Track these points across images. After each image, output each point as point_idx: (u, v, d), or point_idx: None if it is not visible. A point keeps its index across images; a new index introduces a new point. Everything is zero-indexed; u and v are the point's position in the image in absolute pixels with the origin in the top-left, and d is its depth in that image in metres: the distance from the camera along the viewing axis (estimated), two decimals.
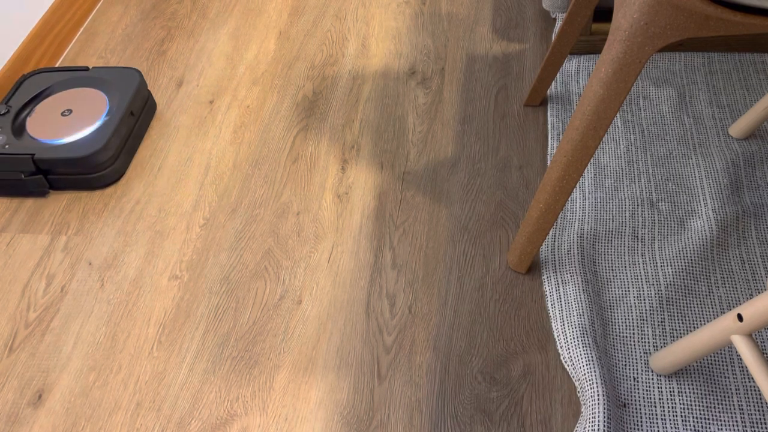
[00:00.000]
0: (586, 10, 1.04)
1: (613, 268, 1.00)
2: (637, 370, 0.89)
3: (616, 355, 0.91)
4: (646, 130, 1.18)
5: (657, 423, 0.85)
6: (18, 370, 0.96)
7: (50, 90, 1.25)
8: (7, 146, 1.16)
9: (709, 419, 0.84)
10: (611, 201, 1.08)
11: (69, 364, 0.97)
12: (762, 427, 0.83)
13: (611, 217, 1.06)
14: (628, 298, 0.97)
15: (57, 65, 1.43)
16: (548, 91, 1.26)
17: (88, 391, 0.94)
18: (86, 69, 1.28)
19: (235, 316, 1.00)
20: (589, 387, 0.85)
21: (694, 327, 0.93)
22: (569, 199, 1.09)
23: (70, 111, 1.20)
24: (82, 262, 1.08)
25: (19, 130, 1.19)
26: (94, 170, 1.16)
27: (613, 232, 1.04)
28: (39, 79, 1.28)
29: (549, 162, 1.15)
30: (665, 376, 0.88)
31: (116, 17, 1.54)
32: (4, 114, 1.18)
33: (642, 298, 0.96)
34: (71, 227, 1.13)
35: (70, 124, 1.18)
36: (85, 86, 1.26)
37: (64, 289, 1.05)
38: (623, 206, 1.08)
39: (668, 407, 0.86)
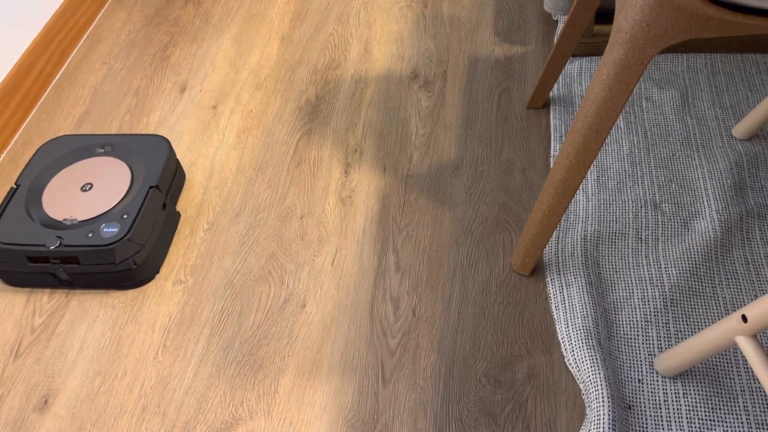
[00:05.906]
0: (587, 12, 1.04)
1: (617, 269, 1.00)
2: (641, 371, 0.89)
3: (621, 356, 0.91)
4: (649, 131, 1.18)
5: (662, 425, 0.84)
6: (24, 375, 0.97)
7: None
8: (90, 234, 1.01)
9: (714, 421, 0.84)
10: (614, 203, 1.08)
11: (74, 369, 0.97)
12: (767, 429, 0.83)
13: (614, 219, 1.06)
14: (632, 300, 0.96)
15: (60, 72, 1.44)
16: (551, 93, 1.26)
17: (93, 396, 0.94)
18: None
19: (239, 320, 1.00)
20: (593, 389, 0.85)
21: (698, 328, 0.93)
22: (572, 201, 1.09)
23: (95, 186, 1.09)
24: None
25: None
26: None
27: (617, 234, 1.04)
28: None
29: (552, 164, 1.15)
30: (670, 378, 0.88)
31: (119, 23, 1.55)
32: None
33: (646, 300, 0.96)
34: None
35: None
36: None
37: (69, 294, 1.05)
38: (626, 208, 1.07)
39: (673, 409, 0.86)
